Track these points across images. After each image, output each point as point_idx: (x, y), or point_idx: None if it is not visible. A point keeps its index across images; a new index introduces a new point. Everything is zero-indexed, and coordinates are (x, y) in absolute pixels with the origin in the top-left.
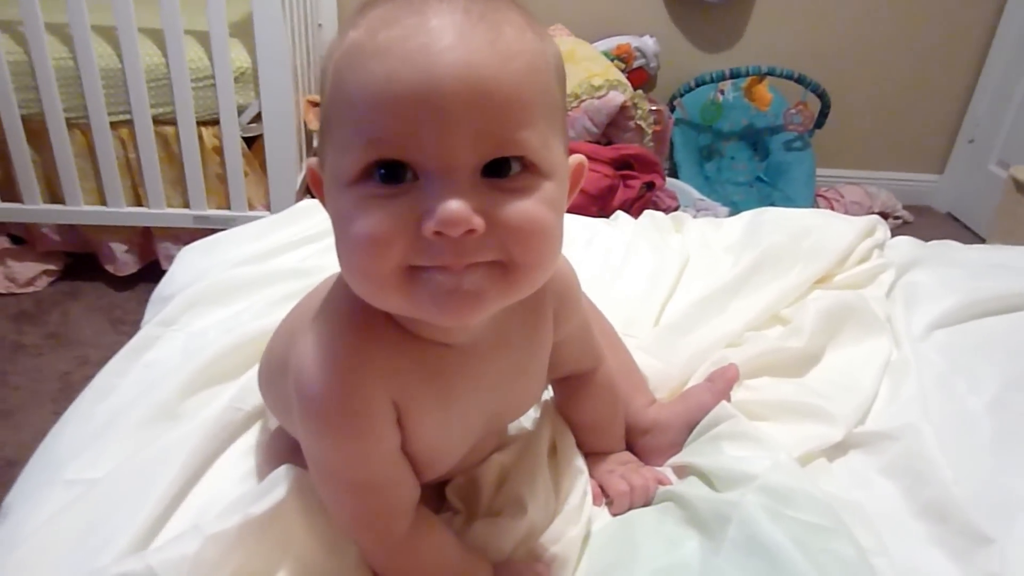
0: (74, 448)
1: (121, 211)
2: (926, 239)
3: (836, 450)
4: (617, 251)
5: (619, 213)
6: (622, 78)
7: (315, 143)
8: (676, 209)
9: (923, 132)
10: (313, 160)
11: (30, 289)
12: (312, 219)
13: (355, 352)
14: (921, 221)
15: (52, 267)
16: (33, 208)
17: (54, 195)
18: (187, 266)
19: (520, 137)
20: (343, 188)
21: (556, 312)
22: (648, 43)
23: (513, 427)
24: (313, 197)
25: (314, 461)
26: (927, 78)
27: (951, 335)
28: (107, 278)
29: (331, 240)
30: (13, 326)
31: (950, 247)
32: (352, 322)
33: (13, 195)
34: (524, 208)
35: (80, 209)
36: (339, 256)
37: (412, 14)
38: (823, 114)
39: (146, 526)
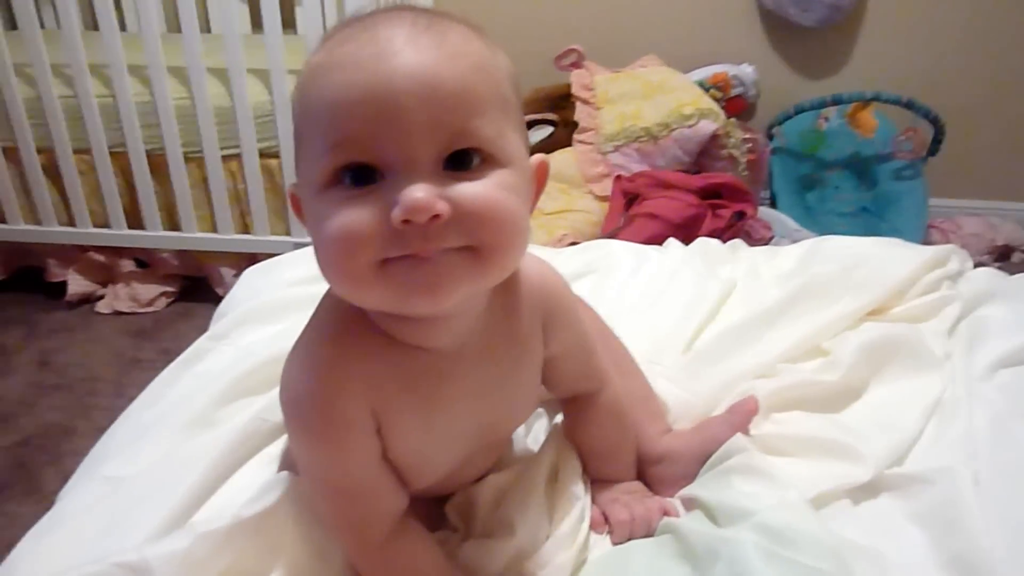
0: (117, 448)
1: (230, 238)
2: None
3: (864, 492)
4: (660, 279)
5: (671, 240)
6: (714, 107)
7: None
8: (771, 239)
9: None
10: (293, 185)
11: (150, 309)
12: None
13: (334, 363)
14: None
15: (170, 289)
16: (154, 235)
17: (172, 223)
18: (248, 285)
19: (472, 127)
20: (316, 195)
21: (545, 323)
22: (746, 71)
23: (518, 449)
24: None
25: (299, 461)
26: None
27: (1019, 375)
28: (216, 300)
29: None
30: (132, 342)
31: None
32: (333, 333)
33: (138, 223)
34: (483, 191)
35: (194, 236)
36: (317, 258)
37: (363, 30)
38: (936, 141)
39: (165, 524)
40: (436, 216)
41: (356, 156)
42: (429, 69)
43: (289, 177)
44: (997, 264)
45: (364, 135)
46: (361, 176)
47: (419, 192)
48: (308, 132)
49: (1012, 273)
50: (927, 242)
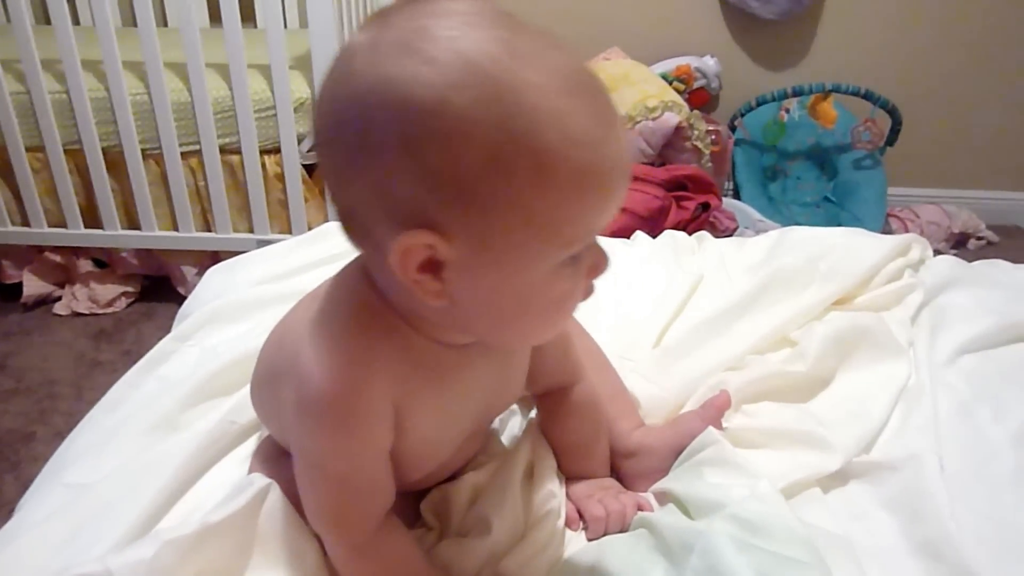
0: (79, 454)
1: (191, 236)
2: (1016, 261)
3: (834, 480)
4: (628, 272)
5: (638, 233)
6: (678, 99)
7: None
8: (735, 230)
9: (1009, 146)
10: (422, 236)
11: (110, 310)
12: (335, 239)
13: (361, 354)
14: (1009, 243)
15: (130, 289)
16: (113, 234)
17: (132, 221)
18: (211, 284)
19: None
20: (550, 271)
21: None
22: (709, 63)
23: (493, 446)
24: None
25: (302, 453)
26: (1012, 88)
27: (980, 360)
28: (179, 299)
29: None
30: (92, 344)
31: (997, 267)
32: (360, 325)
33: (95, 222)
34: None
35: (155, 234)
36: (523, 322)
37: (595, 86)
38: (894, 131)
39: (131, 531)
40: None
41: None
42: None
43: (251, 172)
44: (954, 251)
45: (605, 222)
46: None
47: (607, 256)
48: (548, 209)
49: (969, 260)
50: (886, 230)
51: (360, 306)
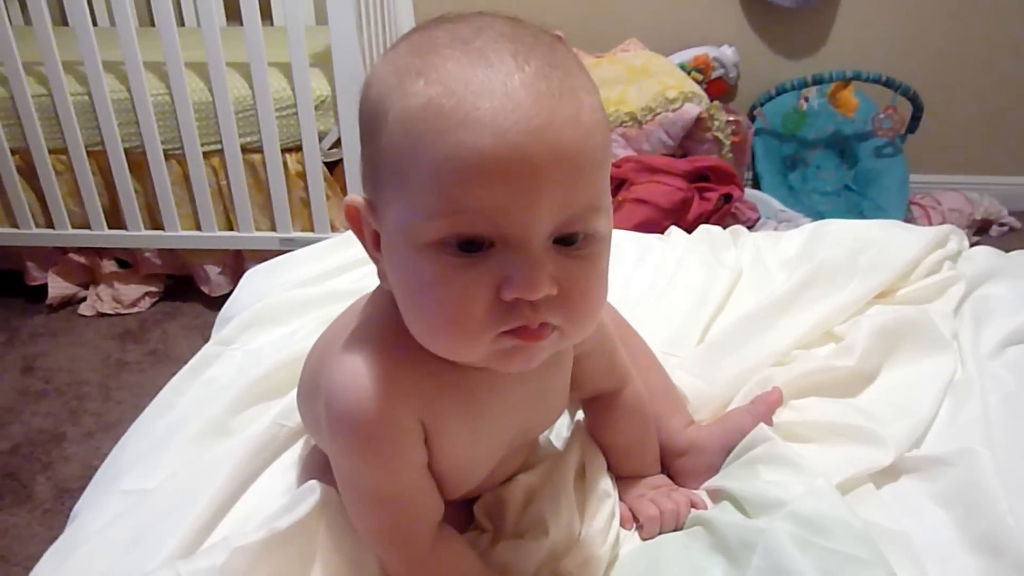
0: (132, 460)
1: (214, 235)
2: None
3: (886, 475)
4: (667, 268)
5: (673, 228)
6: (698, 89)
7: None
8: (757, 220)
9: None
10: (357, 199)
11: (134, 310)
12: None
13: (387, 375)
14: None
15: (154, 289)
16: (136, 234)
17: (155, 222)
18: (250, 287)
19: (592, 213)
20: (417, 249)
21: None
22: (727, 53)
23: (543, 447)
24: None
25: (341, 475)
26: None
27: None
28: (203, 298)
29: None
30: (118, 344)
31: None
32: (385, 346)
33: (118, 222)
34: (585, 280)
35: (178, 234)
36: (411, 311)
37: (494, 77)
38: (915, 118)
39: (191, 536)
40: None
41: (476, 228)
42: (569, 152)
43: (273, 171)
44: (976, 238)
45: (491, 210)
46: (471, 242)
47: (533, 274)
48: (418, 182)
49: (991, 246)
50: (908, 219)
51: (389, 328)
